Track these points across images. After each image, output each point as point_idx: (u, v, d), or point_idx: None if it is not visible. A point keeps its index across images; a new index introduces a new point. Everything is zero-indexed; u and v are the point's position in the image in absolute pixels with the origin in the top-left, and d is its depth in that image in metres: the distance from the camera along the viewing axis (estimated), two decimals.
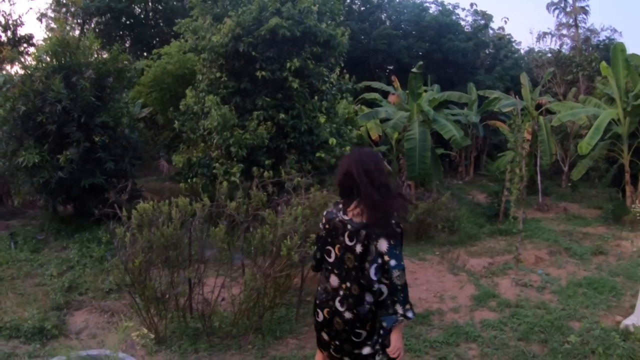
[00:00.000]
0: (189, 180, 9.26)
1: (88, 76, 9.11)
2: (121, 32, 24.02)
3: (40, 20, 23.94)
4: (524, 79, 16.02)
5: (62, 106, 8.88)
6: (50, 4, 23.81)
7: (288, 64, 8.67)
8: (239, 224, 4.67)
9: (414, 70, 12.54)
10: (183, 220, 4.48)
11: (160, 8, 24.61)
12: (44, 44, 9.90)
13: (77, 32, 20.41)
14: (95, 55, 10.17)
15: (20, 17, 26.13)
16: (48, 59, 9.56)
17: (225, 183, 4.87)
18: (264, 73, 8.75)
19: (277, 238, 4.41)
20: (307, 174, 5.45)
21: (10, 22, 23.24)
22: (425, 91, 15.18)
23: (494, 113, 19.15)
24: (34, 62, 9.64)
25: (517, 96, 12.11)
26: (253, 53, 8.72)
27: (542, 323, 5.68)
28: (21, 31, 23.40)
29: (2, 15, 22.95)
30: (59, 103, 8.87)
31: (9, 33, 23.05)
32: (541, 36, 30.74)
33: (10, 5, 32.21)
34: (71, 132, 9.07)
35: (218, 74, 9.23)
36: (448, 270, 7.98)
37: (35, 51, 9.90)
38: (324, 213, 3.05)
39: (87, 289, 6.62)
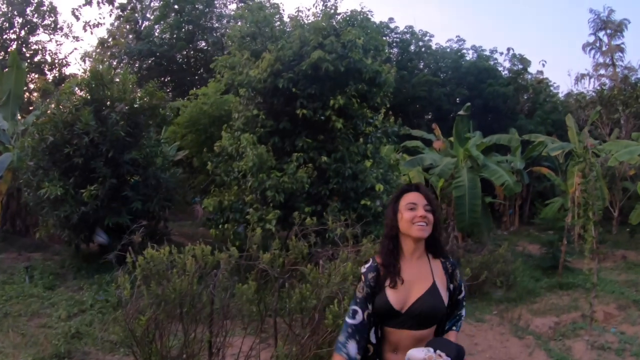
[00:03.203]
0: (220, 226, 8.56)
1: (119, 110, 8.74)
2: (163, 78, 24.39)
3: (84, 61, 24.60)
4: (570, 120, 15.18)
5: (89, 139, 8.56)
6: (95, 46, 24.56)
7: (331, 102, 8.04)
8: (273, 279, 3.84)
9: (460, 113, 11.84)
10: (202, 273, 3.68)
11: (202, 56, 24.94)
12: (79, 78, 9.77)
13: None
14: (132, 93, 9.88)
15: (66, 57, 27.17)
16: (80, 91, 9.33)
17: (258, 230, 4.07)
18: (304, 111, 8.13)
19: (320, 301, 3.57)
20: (354, 224, 4.61)
21: (56, 61, 24.04)
22: (468, 138, 14.45)
23: (537, 159, 18.28)
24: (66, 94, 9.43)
25: (587, 134, 11.24)
26: (293, 90, 8.14)
27: None
28: (67, 71, 24.10)
29: (49, 54, 23.79)
30: (86, 135, 8.54)
31: (54, 72, 23.78)
32: (579, 78, 29.83)
33: (57, 45, 33.72)
34: (98, 167, 8.68)
35: (255, 112, 8.67)
36: (511, 332, 7.11)
37: (68, 82, 9.76)
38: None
39: (94, 338, 5.94)
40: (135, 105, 9.70)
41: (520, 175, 17.97)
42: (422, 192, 2.46)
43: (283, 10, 9.48)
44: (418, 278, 2.34)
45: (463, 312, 2.54)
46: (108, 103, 9.29)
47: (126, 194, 8.97)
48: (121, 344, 5.58)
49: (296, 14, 9.24)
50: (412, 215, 2.34)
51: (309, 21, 8.89)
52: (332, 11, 8.79)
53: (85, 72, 9.90)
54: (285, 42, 8.29)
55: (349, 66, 8.07)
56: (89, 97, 9.30)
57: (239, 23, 9.71)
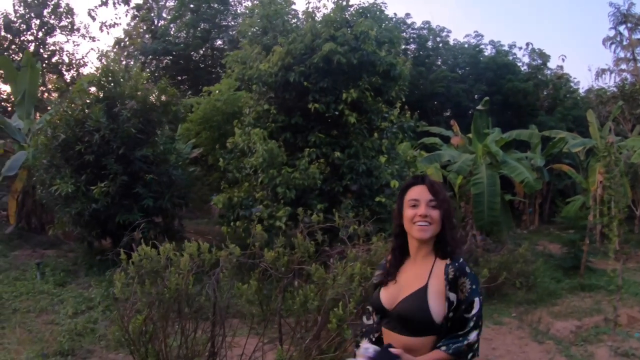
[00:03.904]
0: (232, 224, 8.40)
1: (130, 107, 8.65)
2: (180, 77, 24.43)
3: (101, 61, 24.73)
4: (591, 116, 14.75)
5: (100, 135, 8.50)
6: (112, 46, 24.73)
7: (344, 95, 7.84)
8: (276, 279, 3.62)
9: (479, 107, 11.50)
10: (198, 271, 3.49)
11: (218, 54, 24.92)
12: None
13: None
14: (144, 91, 9.80)
15: (83, 57, 27.40)
16: (93, 88, 9.29)
17: (258, 227, 3.85)
18: (317, 105, 7.94)
19: (325, 303, 3.33)
20: (365, 221, 4.36)
21: (73, 62, 24.26)
22: (487, 134, 14.12)
23: (557, 156, 17.81)
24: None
25: (611, 128, 10.79)
26: (305, 83, 7.96)
27: None
28: (85, 71, 24.29)
29: (66, 55, 24.02)
30: (96, 132, 8.50)
31: (72, 72, 23.98)
32: (600, 73, 29.11)
33: (74, 46, 34.12)
34: (109, 164, 8.62)
35: (266, 106, 8.51)
36: (530, 336, 6.82)
37: (79, 80, 9.75)
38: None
39: (99, 335, 5.87)
40: (149, 104, 9.65)
41: (541, 172, 17.54)
42: (428, 184, 2.14)
43: (294, 3, 9.30)
44: (413, 279, 2.08)
45: (471, 336, 1.98)
46: (120, 101, 9.23)
47: (137, 190, 8.87)
48: (117, 343, 5.49)
49: (307, 7, 9.07)
50: (413, 214, 2.08)
51: (321, 14, 8.71)
52: (345, 3, 8.56)
53: (97, 70, 9.88)
54: (297, 35, 8.10)
55: (361, 58, 7.87)
56: (101, 94, 9.27)
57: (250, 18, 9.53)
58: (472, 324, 1.99)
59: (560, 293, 9.07)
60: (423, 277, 2.06)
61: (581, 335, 6.77)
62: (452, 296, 1.99)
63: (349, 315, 3.19)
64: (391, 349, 1.96)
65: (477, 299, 2.00)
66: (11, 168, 10.46)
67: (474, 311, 1.99)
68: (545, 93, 25.14)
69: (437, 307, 1.99)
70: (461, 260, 2.06)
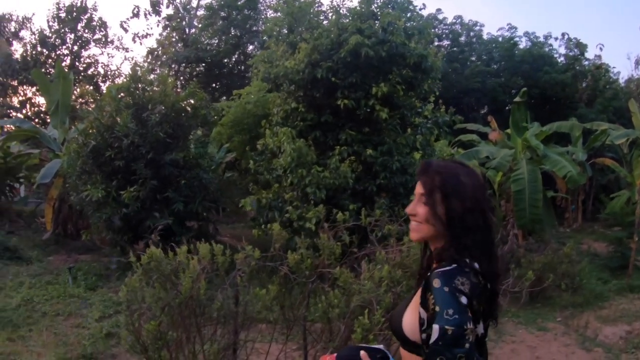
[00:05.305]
0: (262, 227, 8.20)
1: (158, 112, 8.63)
2: (214, 84, 24.61)
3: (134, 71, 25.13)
4: (633, 106, 13.97)
5: (129, 141, 8.52)
6: (145, 56, 25.18)
7: (374, 90, 7.54)
8: (301, 284, 3.32)
9: (517, 99, 10.99)
10: (210, 275, 3.26)
11: (250, 60, 24.95)
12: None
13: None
14: (173, 96, 9.80)
15: (118, 67, 28.06)
16: (123, 95, 9.36)
17: (276, 226, 3.61)
18: (346, 102, 7.70)
19: (349, 310, 3.00)
20: (399, 221, 4.00)
21: (109, 73, 24.84)
22: (526, 127, 13.54)
23: (599, 150, 16.95)
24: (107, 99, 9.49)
25: None
26: (333, 79, 7.72)
27: None
28: (120, 81, 24.80)
29: (102, 66, 24.61)
30: (125, 138, 8.51)
31: (108, 82, 24.56)
32: (639, 61, 27.58)
33: (109, 57, 35.04)
34: (138, 168, 8.62)
35: (294, 105, 8.30)
36: (577, 343, 6.38)
37: (108, 87, 9.85)
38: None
39: (124, 339, 5.74)
40: (178, 108, 9.63)
41: (583, 167, 16.73)
42: (421, 173, 1.70)
43: (322, 4, 9.11)
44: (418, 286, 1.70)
45: None
46: (150, 106, 9.25)
47: (167, 195, 8.83)
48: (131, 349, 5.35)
49: (331, 0, 8.85)
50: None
51: (346, 8, 8.47)
52: None
53: (126, 77, 9.97)
54: (322, 30, 7.87)
55: (390, 51, 7.57)
56: (130, 101, 9.31)
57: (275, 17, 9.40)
58: (426, 356, 1.49)
59: (608, 295, 8.58)
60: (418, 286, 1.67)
61: (632, 341, 6.35)
62: (423, 313, 1.55)
63: (375, 324, 2.82)
64: (362, 352, 1.65)
65: (436, 326, 1.45)
66: (45, 176, 10.67)
67: (432, 340, 1.46)
68: (584, 84, 24.13)
69: (409, 321, 1.60)
70: (447, 268, 1.54)
